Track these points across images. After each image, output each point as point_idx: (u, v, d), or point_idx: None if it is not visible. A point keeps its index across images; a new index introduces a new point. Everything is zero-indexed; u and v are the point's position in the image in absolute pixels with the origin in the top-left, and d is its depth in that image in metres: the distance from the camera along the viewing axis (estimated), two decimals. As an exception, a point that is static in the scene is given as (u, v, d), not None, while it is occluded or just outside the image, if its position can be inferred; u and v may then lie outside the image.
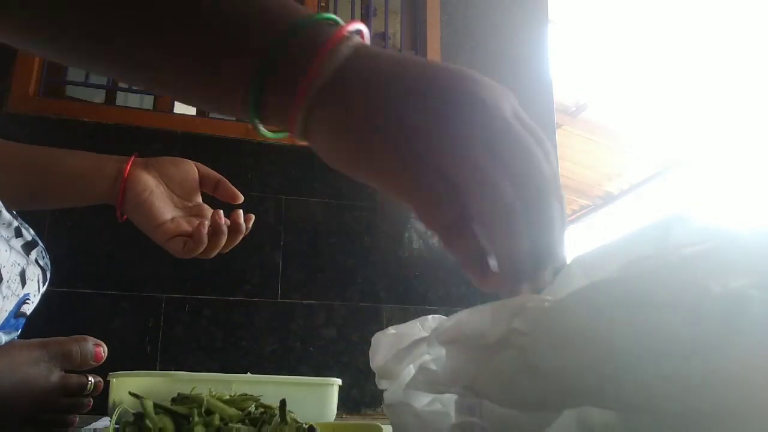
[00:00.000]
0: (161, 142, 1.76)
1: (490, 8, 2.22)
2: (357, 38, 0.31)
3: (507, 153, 0.28)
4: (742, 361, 0.21)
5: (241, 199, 0.70)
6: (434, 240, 1.95)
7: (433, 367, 0.33)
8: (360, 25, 0.32)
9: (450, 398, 0.37)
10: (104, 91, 1.92)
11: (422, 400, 0.40)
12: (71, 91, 1.84)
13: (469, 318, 0.30)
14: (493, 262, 0.30)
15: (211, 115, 1.99)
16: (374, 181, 0.30)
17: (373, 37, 2.09)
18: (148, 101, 2.13)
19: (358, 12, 2.19)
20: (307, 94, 0.29)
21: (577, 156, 4.75)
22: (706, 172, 4.78)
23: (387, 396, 0.43)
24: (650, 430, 0.23)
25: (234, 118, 2.03)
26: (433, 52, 2.11)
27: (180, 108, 1.96)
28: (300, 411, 0.59)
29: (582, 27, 3.71)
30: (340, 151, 0.30)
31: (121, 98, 2.01)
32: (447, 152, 0.27)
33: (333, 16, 0.31)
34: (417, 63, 0.30)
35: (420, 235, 1.93)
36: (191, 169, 0.68)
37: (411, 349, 0.38)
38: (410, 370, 0.40)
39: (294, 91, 0.29)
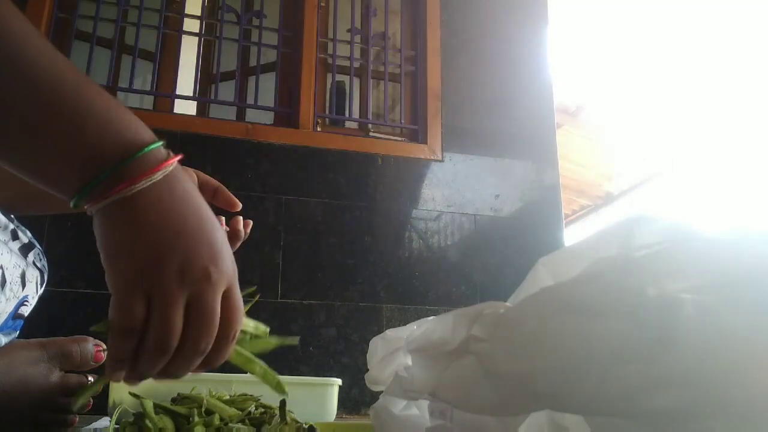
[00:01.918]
0: (161, 142, 1.76)
1: (490, 8, 2.22)
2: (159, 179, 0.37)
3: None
4: (678, 364, 0.21)
5: (239, 206, 0.70)
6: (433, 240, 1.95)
7: (406, 374, 0.34)
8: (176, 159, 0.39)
9: (425, 403, 0.37)
10: (104, 91, 1.92)
11: (399, 405, 0.41)
12: (71, 91, 1.84)
13: (434, 326, 0.31)
14: None
15: (211, 115, 1.99)
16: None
17: (372, 37, 2.10)
18: (148, 101, 2.12)
19: (358, 12, 2.19)
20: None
21: (577, 156, 4.75)
22: (706, 172, 4.78)
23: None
24: (619, 427, 0.23)
25: (234, 119, 2.03)
26: (433, 52, 2.11)
27: (180, 108, 1.96)
28: (300, 411, 0.59)
29: (582, 27, 3.71)
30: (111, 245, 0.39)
31: (121, 98, 2.01)
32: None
33: (155, 145, 0.38)
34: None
35: (420, 235, 1.93)
36: (189, 177, 0.68)
37: (392, 357, 0.39)
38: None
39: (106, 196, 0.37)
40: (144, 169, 0.37)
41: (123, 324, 0.37)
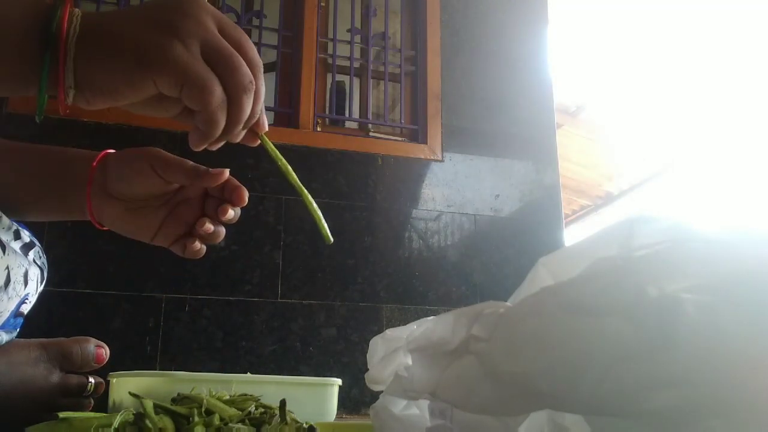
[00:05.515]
0: (161, 143, 1.76)
1: (490, 8, 2.22)
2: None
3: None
4: (678, 364, 0.21)
5: (223, 176, 0.61)
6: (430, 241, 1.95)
7: (406, 374, 0.34)
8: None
9: (425, 403, 0.37)
10: (104, 91, 1.92)
11: (399, 405, 0.41)
12: (71, 91, 1.84)
13: (434, 326, 0.31)
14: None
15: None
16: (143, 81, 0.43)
17: (372, 37, 2.10)
18: (148, 101, 2.12)
19: (358, 12, 2.19)
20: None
21: (577, 156, 4.75)
22: (706, 172, 4.78)
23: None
24: (619, 427, 0.23)
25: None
26: (433, 52, 2.11)
27: (180, 108, 1.96)
28: (300, 411, 0.59)
29: (582, 27, 3.71)
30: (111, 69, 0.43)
31: (121, 98, 2.01)
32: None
33: None
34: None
35: (420, 235, 1.93)
36: (146, 180, 0.59)
37: (392, 357, 0.39)
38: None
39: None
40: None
41: (207, 96, 0.42)
